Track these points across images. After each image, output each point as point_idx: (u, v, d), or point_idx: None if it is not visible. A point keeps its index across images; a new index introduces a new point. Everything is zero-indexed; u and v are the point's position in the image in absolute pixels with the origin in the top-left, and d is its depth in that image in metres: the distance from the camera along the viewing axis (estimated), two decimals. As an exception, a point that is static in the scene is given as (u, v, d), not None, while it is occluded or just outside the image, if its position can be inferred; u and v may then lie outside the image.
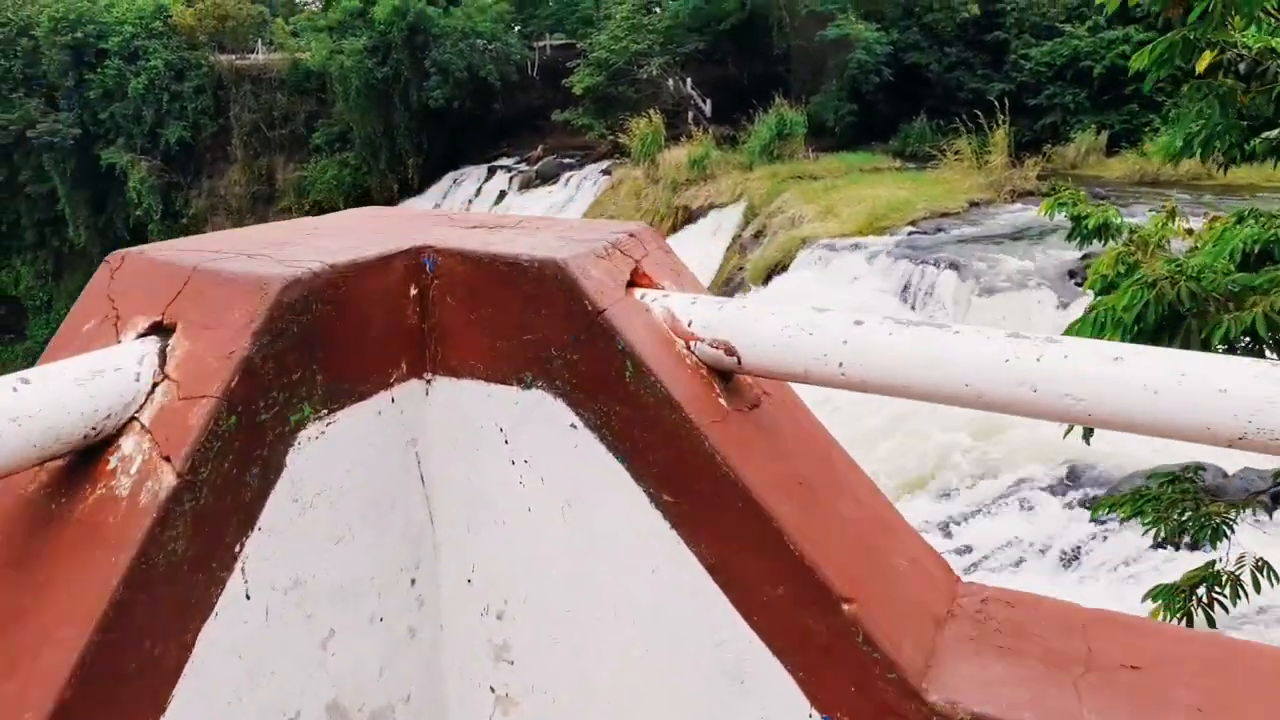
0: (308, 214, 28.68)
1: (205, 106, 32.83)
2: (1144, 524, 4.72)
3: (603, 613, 1.06)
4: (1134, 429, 0.86)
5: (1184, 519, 4.42)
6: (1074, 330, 4.64)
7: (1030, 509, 11.64)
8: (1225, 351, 3.61)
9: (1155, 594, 4.63)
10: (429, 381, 1.11)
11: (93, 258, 35.62)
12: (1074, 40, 24.49)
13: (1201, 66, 4.18)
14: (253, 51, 34.24)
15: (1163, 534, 4.61)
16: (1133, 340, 3.55)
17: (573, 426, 1.04)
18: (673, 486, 1.00)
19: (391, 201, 30.88)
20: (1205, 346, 3.43)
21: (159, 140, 32.82)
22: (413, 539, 1.12)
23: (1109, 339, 3.63)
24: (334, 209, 25.30)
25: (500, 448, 1.09)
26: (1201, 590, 4.50)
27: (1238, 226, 4.49)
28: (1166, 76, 4.34)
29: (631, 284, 1.10)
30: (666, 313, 1.07)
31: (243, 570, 0.91)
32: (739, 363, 1.02)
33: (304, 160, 32.62)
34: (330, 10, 32.38)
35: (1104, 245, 5.53)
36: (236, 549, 0.91)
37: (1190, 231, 5.68)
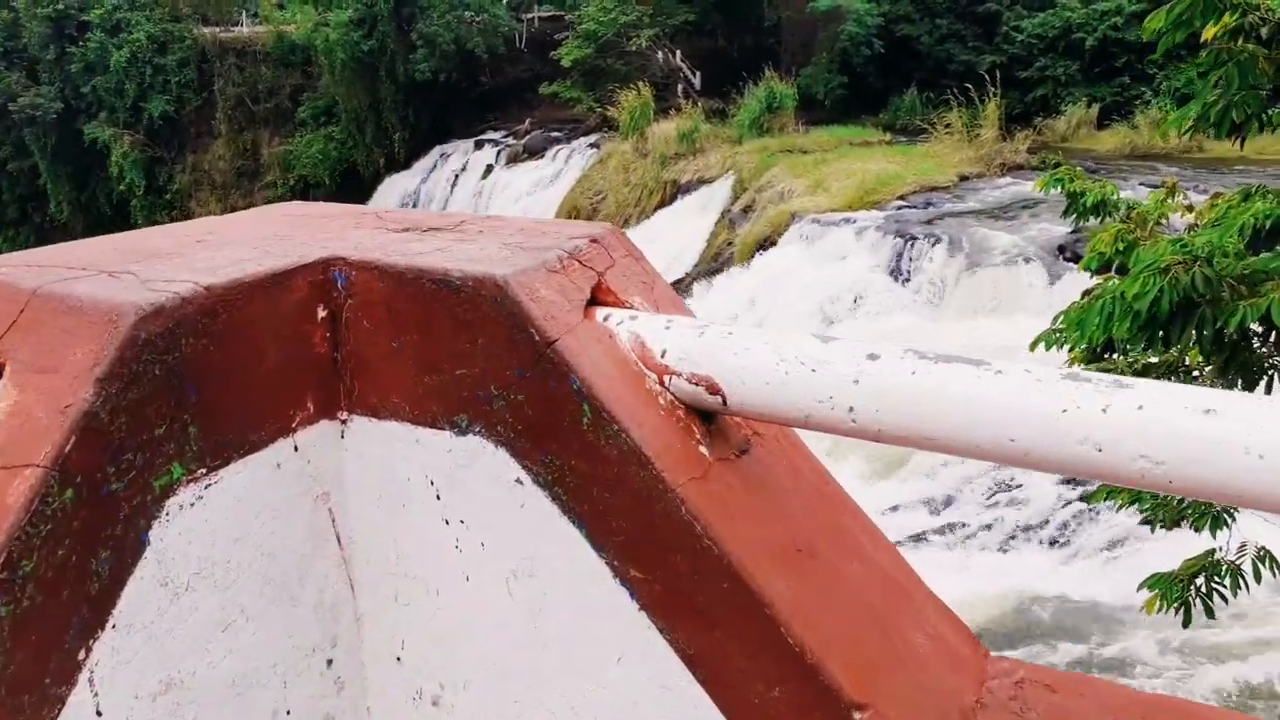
0: (293, 189, 28.19)
1: (189, 80, 32.26)
2: (1142, 511, 4.57)
3: (557, 706, 0.87)
4: (1229, 499, 0.67)
5: (1184, 506, 4.27)
6: (1076, 315, 4.46)
7: (1019, 486, 11.55)
8: (1238, 340, 3.44)
9: (1151, 583, 4.48)
10: (344, 423, 0.92)
11: (75, 234, 35.15)
12: (1066, 12, 24.20)
13: (1209, 34, 3.97)
14: (237, 24, 33.61)
15: (1162, 522, 4.46)
16: (1143, 328, 3.38)
17: (518, 482, 0.85)
18: (641, 559, 0.81)
19: (378, 176, 30.49)
20: (1219, 334, 3.26)
21: (142, 114, 32.26)
22: (328, 613, 0.92)
23: (1118, 329, 3.45)
24: (319, 184, 24.89)
25: (431, 504, 0.90)
26: (1200, 580, 4.36)
27: (1245, 203, 4.31)
28: (1161, 49, 4.13)
29: (594, 301, 0.91)
30: (634, 340, 0.87)
31: (90, 680, 0.72)
32: (724, 402, 0.83)
33: (289, 134, 32.10)
34: (315, -19, 31.74)
35: (1100, 221, 5.35)
36: (80, 655, 0.71)
37: (1190, 208, 5.50)
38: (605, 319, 0.89)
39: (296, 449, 0.88)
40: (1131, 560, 9.03)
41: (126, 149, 32.23)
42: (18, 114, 31.52)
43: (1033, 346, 4.96)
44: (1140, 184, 15.66)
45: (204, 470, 0.80)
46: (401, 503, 0.91)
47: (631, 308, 0.92)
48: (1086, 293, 4.66)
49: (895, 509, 11.36)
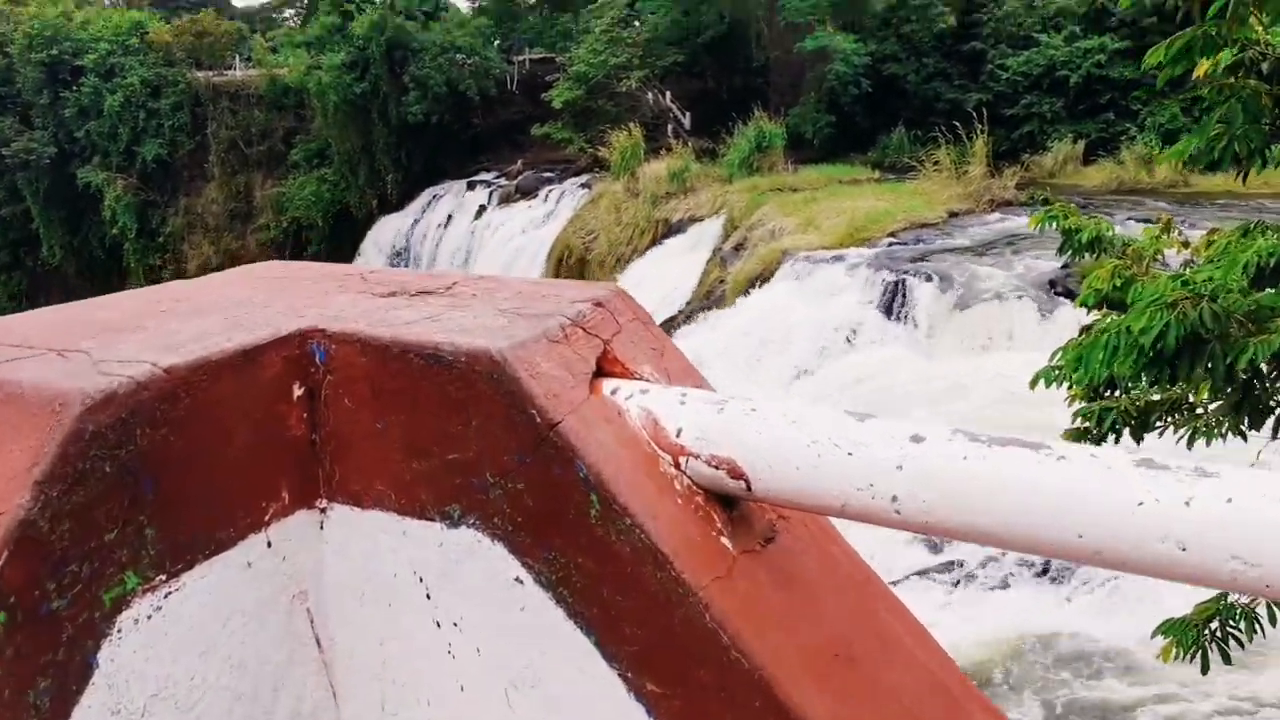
0: (286, 231, 28.14)
1: (182, 124, 32.45)
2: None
3: None
4: None
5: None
6: (1075, 352, 4.39)
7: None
8: (1250, 377, 3.37)
9: (1165, 629, 4.37)
10: (323, 512, 0.83)
11: (68, 277, 35.14)
12: (1050, 50, 24.59)
13: (1201, 71, 3.96)
14: (230, 68, 33.88)
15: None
16: (1150, 364, 3.31)
17: (518, 581, 0.76)
18: (660, 671, 0.72)
19: (371, 218, 30.56)
20: (1229, 371, 3.20)
21: (135, 158, 32.40)
22: None
23: (1122, 365, 3.39)
24: (312, 226, 24.94)
25: (420, 603, 0.80)
26: (1215, 625, 4.25)
27: (1247, 240, 4.27)
28: (1161, 82, 4.11)
29: (600, 373, 0.83)
30: (646, 417, 0.79)
31: None
32: (748, 488, 0.75)
33: (282, 177, 32.23)
34: (309, 26, 32.11)
35: (1096, 258, 5.32)
36: None
37: (1186, 244, 5.48)
38: (613, 393, 0.81)
39: (270, 545, 0.79)
40: (1135, 595, 8.91)
41: (120, 193, 32.33)
42: (11, 159, 31.63)
43: (1032, 384, 4.90)
44: (1128, 218, 15.80)
45: (163, 577, 0.70)
46: (388, 601, 0.82)
47: (641, 379, 0.84)
48: (1085, 329, 4.62)
49: (893, 546, 11.23)
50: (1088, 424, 4.29)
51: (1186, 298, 3.23)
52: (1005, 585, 10.53)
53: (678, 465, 0.77)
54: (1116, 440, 4.21)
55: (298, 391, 0.80)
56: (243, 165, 32.86)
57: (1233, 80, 3.38)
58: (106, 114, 31.63)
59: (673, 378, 0.87)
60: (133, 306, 0.88)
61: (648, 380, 0.84)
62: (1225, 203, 17.97)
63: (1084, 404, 4.52)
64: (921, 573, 10.81)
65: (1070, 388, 4.67)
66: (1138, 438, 4.18)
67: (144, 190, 32.94)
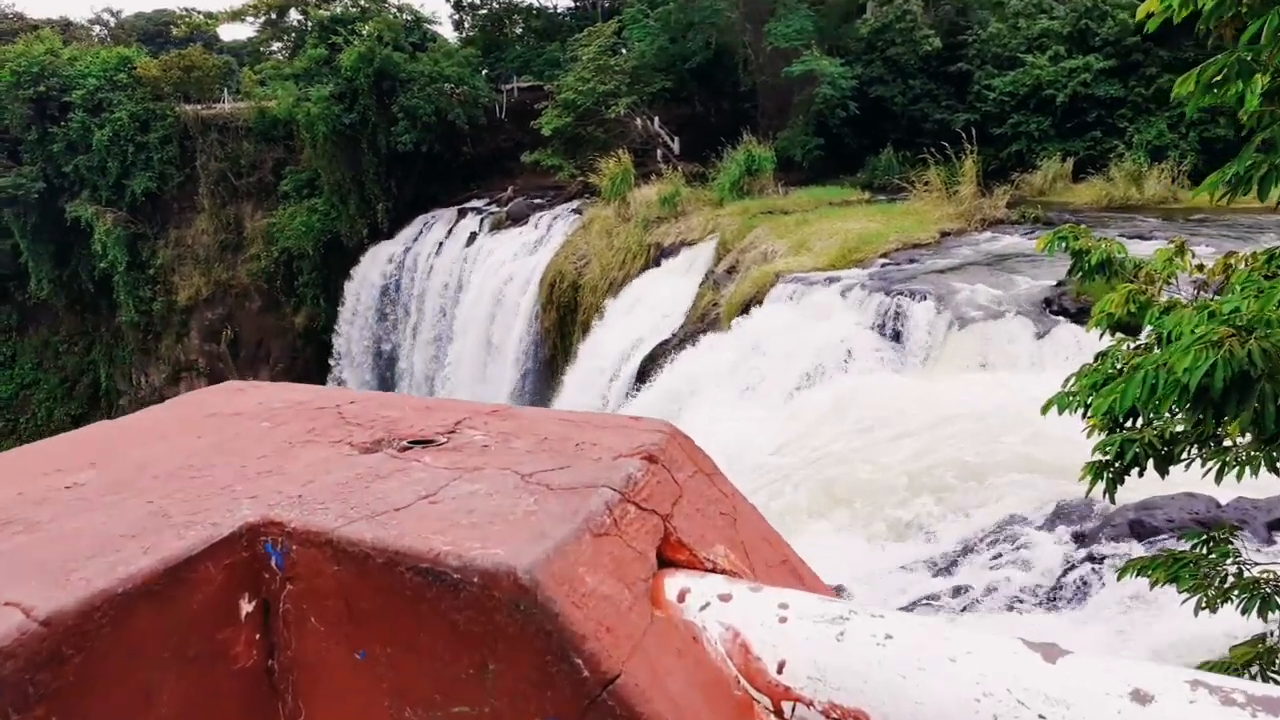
0: (277, 261, 27.86)
1: (171, 156, 32.46)
2: (1181, 590, 4.37)
3: None
4: None
5: (1227, 587, 4.06)
6: (1090, 379, 4.31)
7: (1024, 548, 11.33)
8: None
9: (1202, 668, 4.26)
10: None
11: (56, 311, 34.94)
12: (1035, 70, 24.79)
13: (1232, 93, 3.87)
14: (219, 101, 33.94)
15: (1204, 603, 4.25)
16: (1193, 403, 3.21)
17: None
18: None
19: (362, 246, 30.48)
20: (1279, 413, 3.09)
21: (125, 191, 32.37)
22: None
23: (1163, 401, 3.29)
24: (304, 256, 24.68)
25: None
26: (1255, 669, 4.13)
27: (1270, 265, 4.20)
28: (1190, 111, 4.05)
29: (660, 560, 0.63)
30: (733, 642, 0.59)
31: None
32: None
33: (272, 208, 32.24)
34: (297, 59, 32.19)
35: (1108, 280, 5.25)
36: None
37: (1200, 267, 5.42)
38: (681, 598, 0.60)
39: None
40: (1143, 623, 8.80)
41: (109, 226, 32.26)
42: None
43: (1045, 410, 4.81)
44: (1119, 235, 15.85)
45: None
46: None
47: (714, 568, 0.63)
48: (1100, 355, 4.54)
49: (896, 570, 11.10)
50: (1108, 457, 4.20)
51: (1232, 334, 3.13)
52: (1011, 608, 10.42)
53: (779, 712, 0.57)
54: (1140, 473, 4.12)
55: (247, 608, 0.60)
56: (232, 197, 32.85)
57: (1273, 108, 3.30)
58: (95, 148, 31.61)
59: (751, 553, 0.67)
60: (31, 477, 0.67)
61: (723, 569, 0.64)
62: (1204, 218, 18.15)
63: (1104, 434, 4.43)
64: (932, 597, 10.68)
65: (1086, 415, 4.58)
66: (1162, 471, 4.08)
67: (134, 223, 32.87)
